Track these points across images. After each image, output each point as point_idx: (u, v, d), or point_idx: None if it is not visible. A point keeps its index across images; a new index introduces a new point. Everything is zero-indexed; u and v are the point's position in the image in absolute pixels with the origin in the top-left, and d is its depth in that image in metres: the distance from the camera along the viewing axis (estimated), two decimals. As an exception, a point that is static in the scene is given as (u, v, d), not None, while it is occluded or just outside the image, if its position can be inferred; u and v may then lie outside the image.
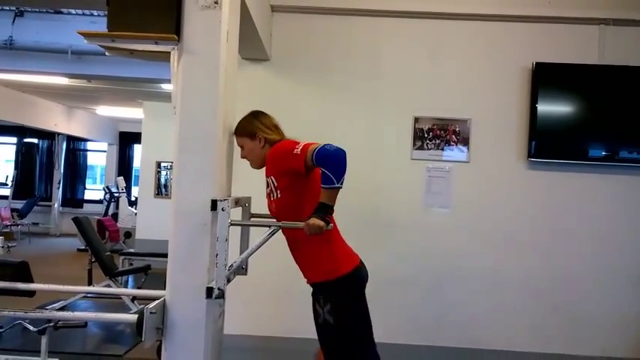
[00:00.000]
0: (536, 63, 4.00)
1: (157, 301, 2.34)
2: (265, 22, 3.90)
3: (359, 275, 2.65)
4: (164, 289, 2.46)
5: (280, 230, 2.55)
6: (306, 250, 2.62)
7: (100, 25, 5.91)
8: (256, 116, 2.74)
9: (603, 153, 4.03)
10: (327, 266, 2.57)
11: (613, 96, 4.03)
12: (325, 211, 2.41)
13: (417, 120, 4.12)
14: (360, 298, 2.65)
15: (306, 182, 2.55)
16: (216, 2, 2.40)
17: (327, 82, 4.18)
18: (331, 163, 2.40)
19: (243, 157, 2.77)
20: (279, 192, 2.59)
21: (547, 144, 4.01)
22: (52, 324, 4.16)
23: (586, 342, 4.04)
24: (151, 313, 2.25)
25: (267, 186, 2.65)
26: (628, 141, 4.03)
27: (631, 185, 4.05)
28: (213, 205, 2.35)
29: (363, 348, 2.65)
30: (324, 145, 2.43)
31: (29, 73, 6.77)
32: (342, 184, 2.41)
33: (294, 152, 2.47)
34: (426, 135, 4.11)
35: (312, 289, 2.65)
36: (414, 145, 4.12)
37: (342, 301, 2.54)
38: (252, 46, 3.77)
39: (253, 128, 2.69)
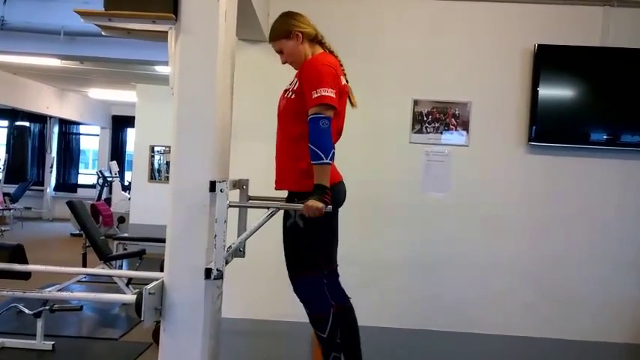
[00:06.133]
0: (537, 45, 3.95)
1: (155, 282, 2.34)
2: (263, 3, 3.83)
3: (338, 191, 2.69)
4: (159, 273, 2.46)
5: (278, 210, 2.53)
6: (291, 158, 2.65)
7: (93, 5, 5.73)
8: (289, 15, 2.79)
9: (605, 137, 3.97)
10: (311, 178, 2.51)
11: (616, 79, 3.97)
12: (322, 191, 2.44)
13: (416, 103, 4.06)
14: (334, 213, 2.70)
15: None
16: (214, -19, 2.35)
17: (326, 63, 4.11)
18: (315, 139, 2.44)
19: (284, 62, 2.79)
20: (293, 94, 2.66)
21: (548, 128, 3.96)
22: (47, 307, 4.15)
23: (579, 327, 4.02)
24: (150, 293, 2.25)
25: (291, 83, 2.72)
26: (630, 125, 3.99)
27: (632, 169, 4.01)
28: (212, 186, 2.32)
29: (321, 261, 2.70)
30: (322, 117, 2.46)
31: (21, 54, 6.69)
32: (331, 159, 2.46)
33: (313, 92, 2.49)
34: (425, 118, 4.06)
35: (285, 194, 2.75)
36: (413, 128, 4.06)
37: None
38: (249, 26, 3.70)
39: (287, 26, 2.74)
